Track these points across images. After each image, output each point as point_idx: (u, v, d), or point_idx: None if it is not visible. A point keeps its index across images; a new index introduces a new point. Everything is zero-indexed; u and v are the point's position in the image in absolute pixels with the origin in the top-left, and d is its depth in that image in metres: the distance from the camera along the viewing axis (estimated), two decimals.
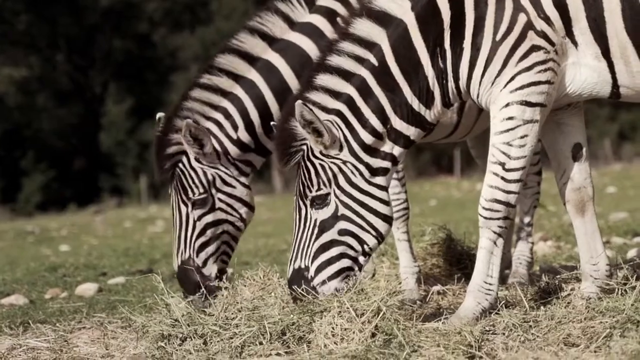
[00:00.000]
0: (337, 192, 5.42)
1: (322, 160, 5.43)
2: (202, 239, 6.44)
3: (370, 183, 5.44)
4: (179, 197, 6.45)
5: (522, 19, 5.25)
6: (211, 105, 6.46)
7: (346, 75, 5.43)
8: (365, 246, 5.44)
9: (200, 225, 6.43)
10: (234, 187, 6.49)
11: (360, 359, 4.70)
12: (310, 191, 5.42)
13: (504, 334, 5.06)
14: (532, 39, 5.24)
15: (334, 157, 5.42)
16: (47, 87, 46.81)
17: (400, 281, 6.23)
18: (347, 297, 5.08)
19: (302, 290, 5.32)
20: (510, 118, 5.27)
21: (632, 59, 5.26)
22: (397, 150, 5.47)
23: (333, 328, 5.01)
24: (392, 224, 5.51)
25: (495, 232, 5.38)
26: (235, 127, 6.46)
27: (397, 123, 5.42)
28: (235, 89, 6.46)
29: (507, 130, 5.27)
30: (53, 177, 44.14)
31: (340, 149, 5.42)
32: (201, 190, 6.40)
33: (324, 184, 5.41)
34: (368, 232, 5.43)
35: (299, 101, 5.33)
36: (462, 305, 5.43)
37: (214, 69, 6.49)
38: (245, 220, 6.55)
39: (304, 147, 5.46)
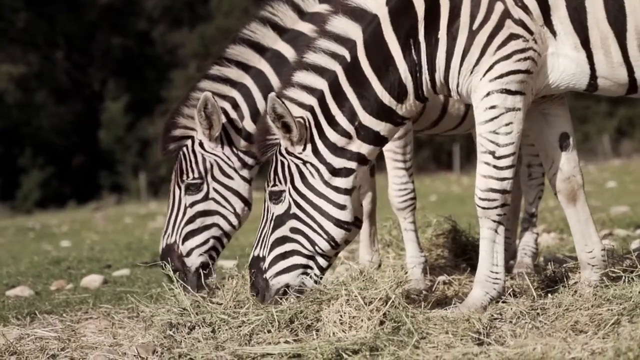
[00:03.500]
0: (292, 191, 5.47)
1: (284, 157, 5.48)
2: (191, 227, 6.42)
3: (328, 185, 5.45)
4: (176, 179, 6.47)
5: (499, 7, 5.23)
6: (220, 95, 6.47)
7: (322, 71, 5.44)
8: (316, 247, 5.47)
9: (190, 212, 6.41)
10: (232, 178, 6.47)
11: (369, 346, 4.71)
12: (268, 185, 5.50)
13: (511, 321, 5.09)
14: (509, 27, 5.22)
15: (295, 156, 5.46)
16: (46, 85, 46.78)
17: (406, 271, 6.25)
18: (355, 286, 5.10)
19: (254, 277, 5.47)
20: (493, 107, 5.26)
21: (613, 49, 5.22)
22: (365, 149, 5.45)
23: (341, 316, 5.03)
24: (348, 229, 5.48)
25: (495, 221, 5.38)
26: (241, 117, 6.48)
27: (367, 119, 5.41)
28: (244, 79, 6.47)
29: (492, 119, 5.27)
30: (52, 174, 44.12)
31: (304, 147, 5.45)
32: (196, 174, 6.39)
33: (280, 181, 5.48)
34: (319, 234, 5.46)
35: (273, 94, 5.37)
36: (470, 295, 5.45)
37: (223, 60, 6.50)
38: (240, 216, 6.51)
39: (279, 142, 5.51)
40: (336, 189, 5.45)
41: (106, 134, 45.46)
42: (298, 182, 5.46)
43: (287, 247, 5.47)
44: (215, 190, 6.44)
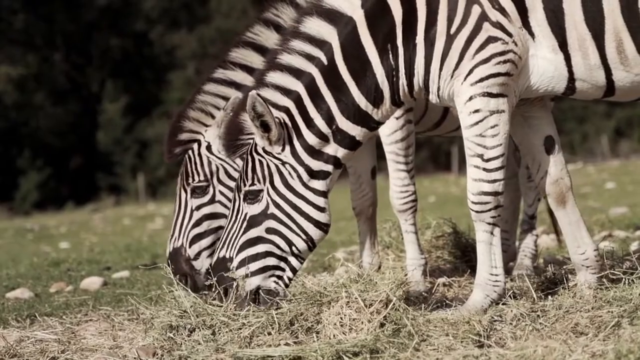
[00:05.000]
0: (271, 190, 5.44)
1: (262, 156, 5.45)
2: (197, 230, 6.42)
3: (307, 187, 5.44)
4: (182, 182, 6.47)
5: (476, 10, 5.22)
6: (224, 97, 6.47)
7: (297, 73, 5.41)
8: (293, 248, 5.46)
9: (197, 215, 6.41)
10: None
11: (369, 349, 4.71)
12: (245, 185, 5.45)
13: (512, 323, 5.09)
14: (487, 30, 5.21)
15: (274, 156, 5.44)
16: (44, 86, 46.77)
17: (406, 272, 6.25)
18: (355, 288, 5.10)
19: (219, 278, 5.40)
20: (477, 111, 5.25)
21: (591, 52, 5.20)
22: (341, 153, 5.45)
23: (341, 318, 5.02)
24: (326, 231, 5.49)
25: (489, 223, 5.38)
26: None
27: (343, 123, 5.40)
28: (248, 81, 6.46)
29: (477, 123, 5.26)
30: (50, 176, 44.10)
31: (283, 148, 5.43)
32: (202, 177, 6.40)
33: (258, 180, 5.44)
34: (297, 234, 5.45)
35: (254, 92, 5.32)
36: (470, 298, 5.45)
37: (227, 64, 6.50)
38: None
39: (251, 141, 5.48)
40: (315, 191, 5.45)
41: (104, 135, 45.44)
42: (277, 182, 5.44)
43: (260, 248, 5.44)
44: (222, 193, 6.44)
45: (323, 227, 5.47)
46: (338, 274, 7.04)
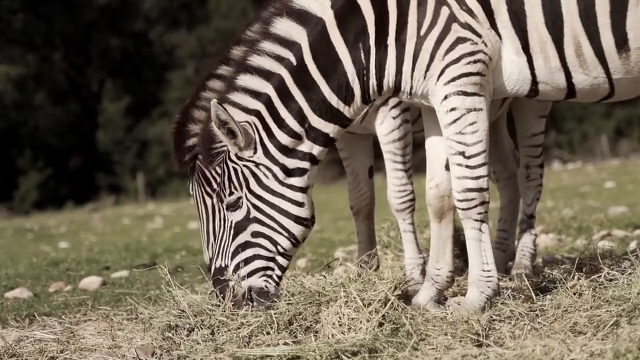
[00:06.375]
0: (249, 195, 5.53)
1: (235, 163, 5.53)
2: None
3: (283, 184, 5.52)
4: (203, 189, 6.40)
5: (444, 12, 5.27)
6: None
7: (267, 75, 5.49)
8: (279, 247, 5.54)
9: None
10: None
11: (368, 348, 4.71)
12: (224, 195, 5.56)
13: (510, 322, 5.09)
14: (456, 31, 5.26)
15: (247, 160, 5.51)
16: (43, 85, 46.74)
17: (405, 272, 6.25)
18: (354, 287, 5.10)
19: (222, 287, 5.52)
20: (453, 109, 5.29)
21: (552, 55, 5.25)
22: (316, 150, 5.53)
23: (340, 318, 5.04)
24: (308, 226, 5.57)
25: (477, 220, 5.40)
26: None
27: (316, 121, 5.47)
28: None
29: (455, 121, 5.30)
30: (50, 176, 44.07)
31: (255, 151, 5.50)
32: None
33: (235, 188, 5.54)
34: (280, 233, 5.53)
35: (214, 101, 5.41)
36: (466, 297, 5.46)
37: (229, 60, 6.47)
38: None
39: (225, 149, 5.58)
40: (292, 187, 5.53)
41: (104, 135, 45.42)
42: (253, 185, 5.53)
43: (249, 252, 5.54)
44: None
45: (304, 221, 5.55)
46: (337, 274, 7.04)
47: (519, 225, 7.35)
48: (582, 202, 15.24)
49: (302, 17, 5.43)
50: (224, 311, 5.38)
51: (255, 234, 5.53)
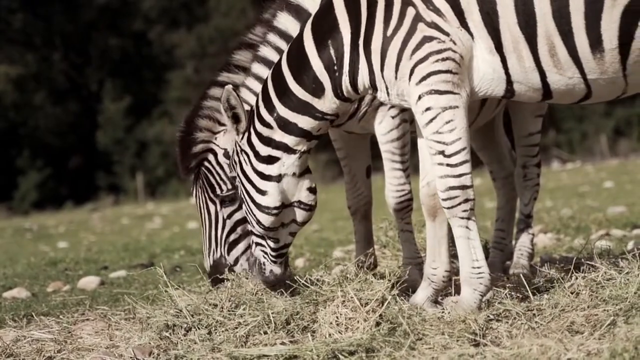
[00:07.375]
0: (240, 176, 5.86)
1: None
2: (233, 236, 6.44)
3: (254, 170, 5.77)
4: (206, 195, 6.43)
5: (410, 12, 5.31)
6: None
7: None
8: (254, 229, 5.87)
9: (230, 223, 6.43)
10: None
11: (365, 348, 4.72)
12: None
13: (507, 322, 5.09)
14: (422, 30, 5.29)
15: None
16: (43, 85, 46.75)
17: (403, 272, 6.26)
18: (351, 287, 5.11)
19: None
20: (428, 109, 5.31)
21: (525, 54, 5.24)
22: (289, 140, 5.69)
23: (337, 317, 5.03)
24: (268, 214, 5.75)
25: (463, 217, 5.39)
26: None
27: (282, 110, 5.65)
28: (250, 82, 6.44)
29: (432, 120, 5.31)
30: (49, 175, 44.09)
31: (243, 137, 5.82)
32: (228, 186, 6.40)
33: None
34: (251, 217, 5.84)
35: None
36: (461, 296, 5.46)
37: (230, 66, 6.50)
38: None
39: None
40: (259, 174, 5.76)
41: (103, 135, 45.43)
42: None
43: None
44: None
45: (264, 209, 5.77)
46: (334, 273, 7.04)
47: (517, 225, 7.35)
48: (581, 202, 15.25)
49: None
50: (222, 311, 5.38)
51: (243, 213, 5.97)
